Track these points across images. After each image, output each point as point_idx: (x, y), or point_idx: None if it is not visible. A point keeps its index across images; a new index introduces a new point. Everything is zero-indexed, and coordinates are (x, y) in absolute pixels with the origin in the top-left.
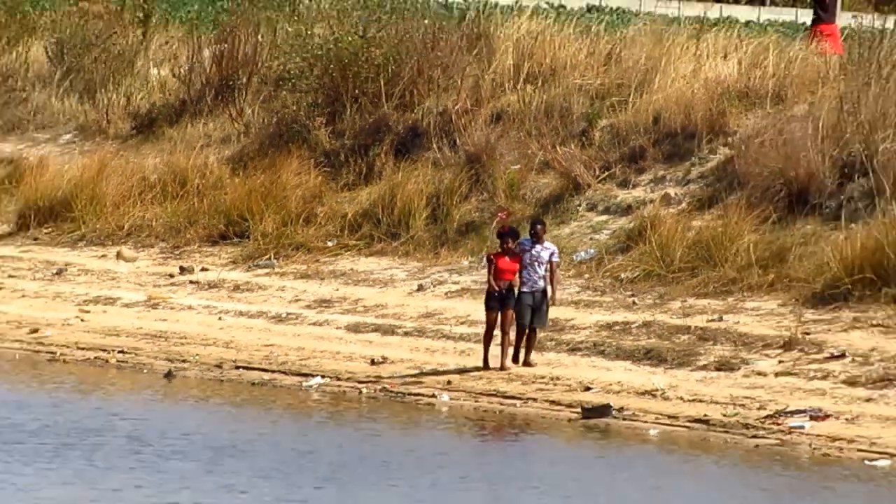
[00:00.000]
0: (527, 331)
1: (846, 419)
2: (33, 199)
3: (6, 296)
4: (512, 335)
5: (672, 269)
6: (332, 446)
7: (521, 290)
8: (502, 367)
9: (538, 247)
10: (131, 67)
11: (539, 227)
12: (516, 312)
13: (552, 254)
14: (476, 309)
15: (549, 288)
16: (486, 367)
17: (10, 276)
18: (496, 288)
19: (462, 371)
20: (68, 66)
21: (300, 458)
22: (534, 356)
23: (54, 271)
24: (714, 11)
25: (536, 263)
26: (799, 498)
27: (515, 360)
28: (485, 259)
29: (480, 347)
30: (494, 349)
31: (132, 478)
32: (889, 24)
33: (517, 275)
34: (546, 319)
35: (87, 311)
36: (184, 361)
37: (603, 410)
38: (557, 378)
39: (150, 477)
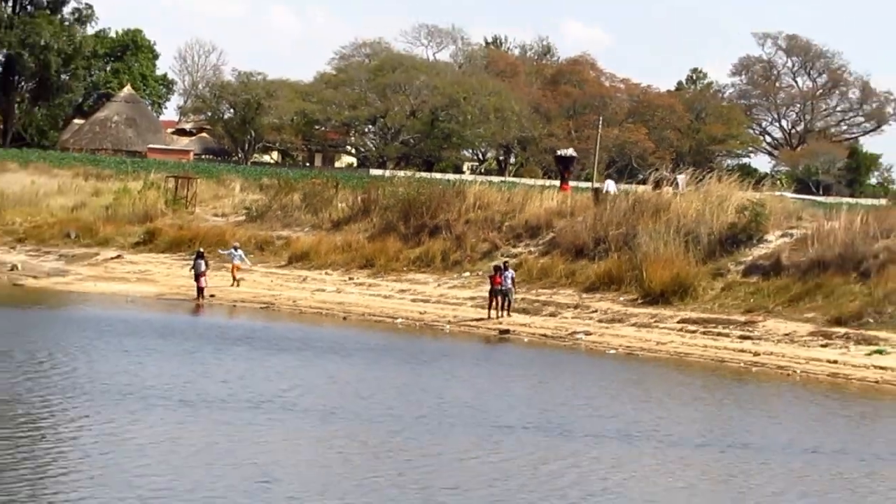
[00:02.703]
0: (505, 305)
1: (599, 335)
2: (293, 252)
3: (285, 289)
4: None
5: (532, 278)
6: (408, 344)
7: (501, 288)
8: (495, 317)
9: (507, 272)
10: (328, 202)
11: (507, 263)
12: (500, 296)
13: (512, 273)
14: (461, 294)
15: (512, 288)
16: (489, 317)
17: (285, 282)
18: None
19: (455, 318)
20: (307, 202)
21: (397, 350)
22: (504, 314)
23: (301, 279)
24: (540, 181)
25: (504, 278)
26: (578, 364)
27: (499, 315)
28: (488, 276)
29: (466, 309)
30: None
31: (342, 361)
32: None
33: (501, 283)
34: (511, 300)
35: (314, 294)
36: (349, 312)
37: (507, 332)
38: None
39: (345, 360)
